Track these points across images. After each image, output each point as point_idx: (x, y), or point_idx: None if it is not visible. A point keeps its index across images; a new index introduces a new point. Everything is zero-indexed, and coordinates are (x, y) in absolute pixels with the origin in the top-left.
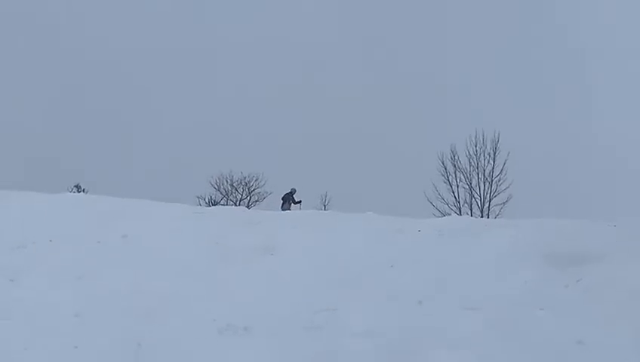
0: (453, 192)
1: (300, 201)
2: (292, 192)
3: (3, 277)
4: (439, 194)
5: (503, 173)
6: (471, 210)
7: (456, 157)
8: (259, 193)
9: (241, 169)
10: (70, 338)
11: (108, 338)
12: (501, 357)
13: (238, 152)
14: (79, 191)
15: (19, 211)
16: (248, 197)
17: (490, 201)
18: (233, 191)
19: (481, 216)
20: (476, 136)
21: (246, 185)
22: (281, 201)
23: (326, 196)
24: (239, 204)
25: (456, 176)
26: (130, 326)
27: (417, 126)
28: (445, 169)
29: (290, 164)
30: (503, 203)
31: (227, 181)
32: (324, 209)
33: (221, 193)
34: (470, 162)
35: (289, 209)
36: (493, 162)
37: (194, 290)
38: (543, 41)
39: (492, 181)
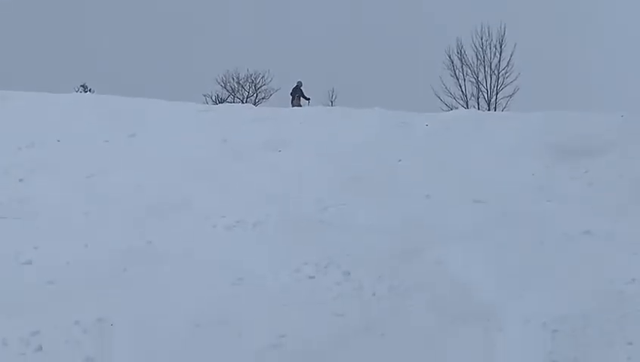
0: (460, 86)
1: (309, 99)
2: (299, 85)
3: (12, 176)
4: (446, 88)
5: (510, 66)
6: (478, 104)
7: (462, 51)
8: (265, 90)
9: (247, 66)
10: (80, 236)
11: (117, 237)
12: (510, 248)
13: (243, 49)
14: (85, 91)
15: (26, 111)
16: (255, 95)
17: (497, 94)
18: (240, 88)
19: (489, 110)
20: (482, 29)
21: (252, 82)
22: (290, 97)
23: (333, 92)
24: (246, 102)
25: (462, 70)
26: (140, 224)
27: (424, 19)
28: (452, 62)
29: (297, 59)
30: (510, 95)
31: (233, 78)
32: (332, 105)
33: (227, 91)
34: (477, 55)
35: (299, 105)
36: (500, 55)
37: (203, 188)
38: None
39: (499, 74)
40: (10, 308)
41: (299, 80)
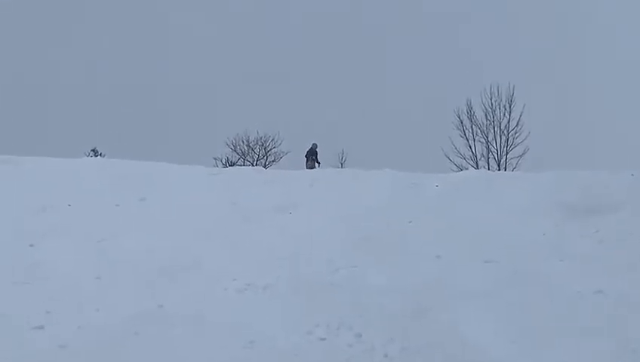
0: (470, 146)
1: (320, 163)
2: (314, 148)
3: (23, 241)
4: (456, 148)
5: (519, 126)
6: (488, 164)
7: (472, 111)
8: (275, 153)
9: (257, 129)
10: (92, 301)
11: (129, 300)
12: (521, 307)
13: (253, 112)
14: (96, 156)
15: (36, 176)
16: (265, 157)
17: (507, 154)
18: (250, 151)
19: (499, 170)
20: (491, 90)
21: (262, 145)
22: (305, 159)
23: (343, 153)
24: (256, 165)
25: (472, 130)
26: (151, 287)
27: (433, 80)
28: (461, 123)
29: (306, 122)
30: (520, 156)
31: (243, 141)
32: (342, 166)
33: (237, 154)
34: (486, 116)
35: (314, 166)
36: (509, 115)
37: (213, 251)
38: None
39: (508, 134)
40: None
41: (314, 142)
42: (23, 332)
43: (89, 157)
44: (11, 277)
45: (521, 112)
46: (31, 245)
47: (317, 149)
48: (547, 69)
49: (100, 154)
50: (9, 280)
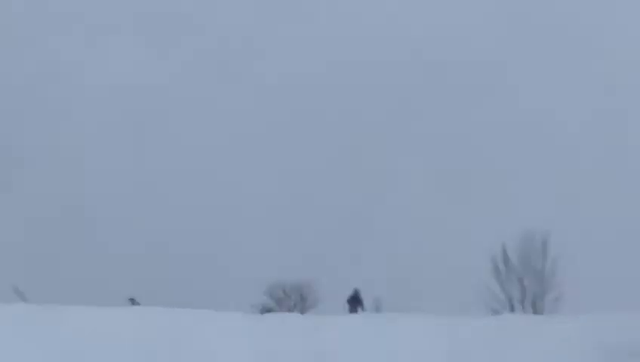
0: (506, 291)
1: (364, 308)
2: (357, 293)
3: None
4: (491, 292)
5: (555, 271)
6: (523, 308)
7: (507, 256)
8: (312, 299)
9: (293, 275)
10: None
11: None
12: None
13: (289, 259)
14: (134, 304)
15: (73, 326)
16: (302, 304)
17: (543, 299)
18: (286, 298)
19: (535, 314)
20: (526, 235)
21: (298, 291)
22: (348, 305)
23: (379, 298)
24: (292, 311)
25: (507, 275)
26: None
27: (468, 225)
28: (497, 268)
29: (342, 268)
30: (556, 300)
31: (280, 288)
32: (377, 311)
33: (274, 300)
34: (521, 261)
35: (356, 311)
36: (545, 260)
37: None
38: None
39: (544, 278)
40: None
41: (355, 288)
42: None
43: (125, 307)
44: None
45: (557, 257)
46: None
47: (360, 295)
48: (583, 213)
49: (138, 303)
50: None
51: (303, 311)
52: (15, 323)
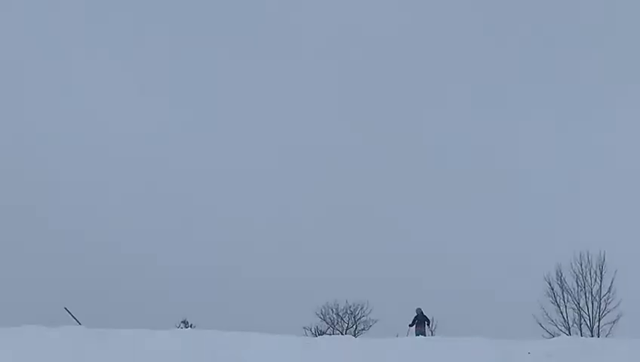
0: (562, 312)
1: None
2: (421, 312)
3: None
4: (547, 314)
5: (611, 292)
6: (580, 330)
7: (562, 278)
8: (365, 321)
9: (346, 297)
10: None
11: None
12: None
13: (342, 281)
14: (186, 327)
15: (124, 349)
16: (354, 326)
17: (599, 320)
18: (339, 320)
19: (591, 336)
20: (581, 256)
21: (352, 313)
22: (413, 326)
23: (433, 320)
24: (345, 334)
25: (563, 296)
26: None
27: (522, 247)
28: (552, 289)
29: (395, 290)
30: (613, 321)
31: (332, 310)
32: (432, 334)
33: (327, 323)
34: (577, 282)
35: (424, 333)
36: (601, 281)
37: None
38: None
39: (600, 300)
40: None
41: (418, 307)
42: None
43: (179, 329)
44: None
45: (613, 278)
46: None
47: (425, 314)
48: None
49: (191, 326)
50: None
51: (356, 334)
52: (66, 345)
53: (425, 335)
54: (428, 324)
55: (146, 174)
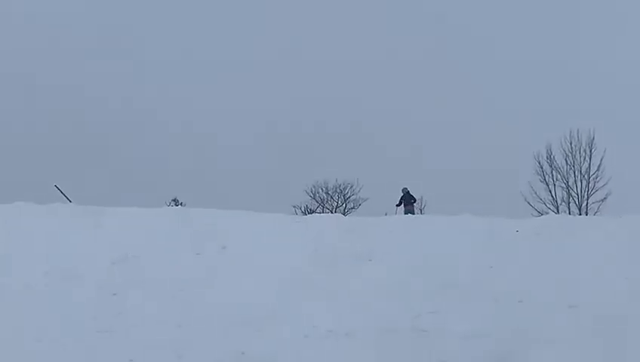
0: (550, 191)
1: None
2: (407, 192)
3: (106, 291)
4: (536, 193)
5: (600, 170)
6: (569, 209)
7: (552, 156)
8: (354, 200)
9: (335, 176)
10: (173, 348)
11: (211, 348)
12: (603, 355)
13: (332, 160)
14: (177, 205)
15: (118, 226)
16: (344, 205)
17: (588, 199)
18: (329, 198)
19: (580, 214)
20: (571, 135)
21: (341, 192)
22: (400, 205)
23: (422, 200)
24: (335, 212)
25: (552, 175)
26: (233, 335)
27: (513, 125)
28: (541, 168)
29: (384, 169)
30: (602, 200)
31: (322, 189)
32: (421, 213)
33: (316, 201)
34: (566, 160)
35: (412, 212)
36: (590, 159)
37: (294, 298)
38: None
39: (589, 178)
40: None
41: (404, 187)
42: None
43: (170, 207)
44: (95, 326)
45: (602, 156)
46: (114, 294)
47: (411, 193)
48: (629, 112)
49: (181, 204)
50: (93, 329)
51: (345, 212)
52: (56, 222)
53: (413, 214)
54: (414, 203)
55: None
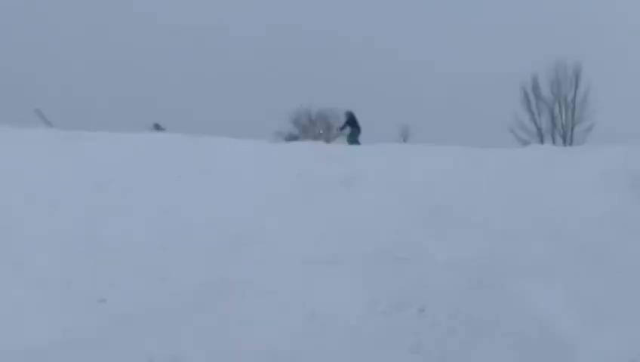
0: (535, 121)
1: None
2: (352, 116)
3: (87, 215)
4: (521, 123)
5: (586, 101)
6: (553, 139)
7: (537, 86)
8: (337, 127)
9: (318, 103)
10: (155, 271)
11: (193, 271)
12: (589, 282)
13: (315, 86)
14: (158, 130)
15: (99, 150)
16: (327, 133)
17: (572, 129)
18: (312, 126)
19: (564, 145)
20: (557, 64)
21: (325, 119)
22: (344, 127)
23: (406, 128)
24: (318, 140)
25: (537, 105)
26: (214, 259)
27: (498, 54)
28: (527, 97)
29: (369, 97)
30: (586, 130)
31: (305, 116)
32: (404, 141)
33: (299, 128)
34: (552, 90)
35: (356, 139)
36: (575, 89)
37: (276, 223)
38: None
39: (574, 108)
40: (84, 347)
41: (348, 110)
42: (87, 305)
43: (151, 132)
44: (77, 250)
45: (588, 86)
46: (95, 218)
47: (355, 116)
48: (615, 43)
49: (162, 129)
50: (75, 252)
51: (328, 140)
52: (37, 146)
53: (359, 144)
54: (357, 127)
55: None
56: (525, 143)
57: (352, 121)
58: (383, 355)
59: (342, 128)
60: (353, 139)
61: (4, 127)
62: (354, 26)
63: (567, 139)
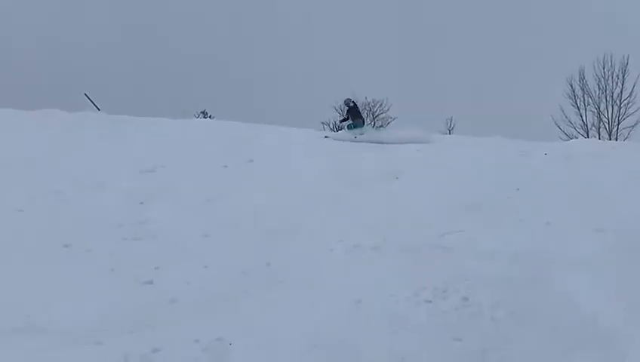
0: (581, 115)
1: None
2: (354, 105)
3: (133, 199)
4: (567, 117)
5: (632, 96)
6: (599, 134)
7: (584, 81)
8: (383, 118)
9: (365, 94)
10: (200, 258)
11: (237, 258)
12: (633, 275)
13: (362, 77)
14: (205, 117)
15: (148, 136)
16: (373, 123)
17: (618, 124)
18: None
19: (610, 140)
20: (604, 59)
21: (370, 110)
22: (347, 118)
23: (451, 120)
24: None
25: (584, 100)
26: (259, 246)
27: (546, 49)
28: (573, 92)
29: (415, 87)
30: (632, 126)
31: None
32: (449, 133)
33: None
34: (599, 85)
35: (361, 124)
36: (622, 85)
37: (320, 212)
38: None
39: (620, 104)
40: (132, 326)
41: (347, 98)
42: (133, 287)
43: (198, 119)
44: (122, 234)
45: (635, 82)
46: (141, 203)
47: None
48: None
49: (210, 116)
50: (120, 237)
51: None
52: (85, 129)
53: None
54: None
55: None
56: (570, 137)
57: (354, 112)
58: (426, 342)
59: (343, 120)
60: (356, 125)
61: (54, 111)
62: (397, 17)
63: (612, 135)
